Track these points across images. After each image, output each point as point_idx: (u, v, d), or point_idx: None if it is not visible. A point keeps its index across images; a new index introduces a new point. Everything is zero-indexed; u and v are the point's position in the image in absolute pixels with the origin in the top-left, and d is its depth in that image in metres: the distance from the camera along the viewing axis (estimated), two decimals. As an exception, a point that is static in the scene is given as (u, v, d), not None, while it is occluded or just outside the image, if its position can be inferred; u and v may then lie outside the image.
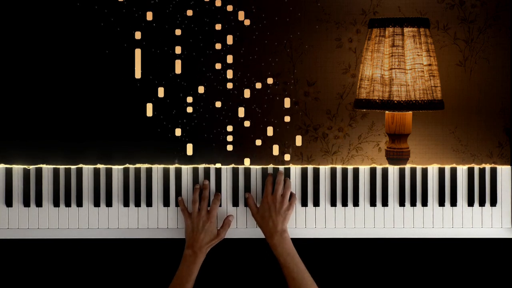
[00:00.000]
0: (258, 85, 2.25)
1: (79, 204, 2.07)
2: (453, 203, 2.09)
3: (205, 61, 2.23)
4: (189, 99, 2.22)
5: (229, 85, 2.23)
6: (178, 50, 2.22)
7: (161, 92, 2.21)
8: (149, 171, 2.08)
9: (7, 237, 2.07)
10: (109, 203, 2.07)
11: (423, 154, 2.36)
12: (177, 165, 2.09)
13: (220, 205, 2.08)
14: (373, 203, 2.09)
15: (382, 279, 2.28)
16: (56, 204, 2.07)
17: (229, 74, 2.23)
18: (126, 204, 2.07)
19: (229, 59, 2.23)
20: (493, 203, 2.08)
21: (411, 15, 2.31)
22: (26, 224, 2.07)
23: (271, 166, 2.10)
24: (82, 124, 2.19)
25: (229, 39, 2.23)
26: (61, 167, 2.08)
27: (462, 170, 2.10)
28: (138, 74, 2.20)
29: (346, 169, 2.09)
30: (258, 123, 2.24)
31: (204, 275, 2.14)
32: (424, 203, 2.09)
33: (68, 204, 2.06)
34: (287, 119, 2.29)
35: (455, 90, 2.35)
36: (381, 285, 2.29)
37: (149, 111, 2.21)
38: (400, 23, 2.16)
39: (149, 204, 2.08)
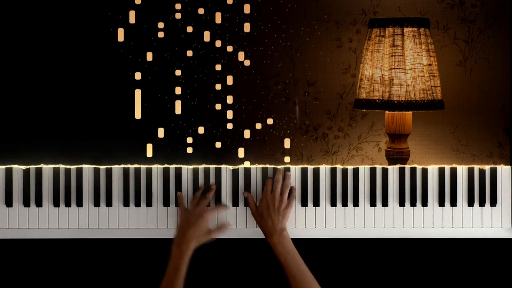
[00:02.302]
0: (258, 126, 2.26)
1: (79, 204, 2.07)
2: (453, 203, 2.08)
3: (205, 101, 2.24)
4: (189, 140, 2.23)
5: (229, 126, 2.24)
6: (178, 90, 2.22)
7: (161, 132, 2.21)
8: (149, 171, 2.08)
9: (7, 237, 2.07)
10: (109, 203, 2.07)
11: (423, 154, 2.36)
12: (177, 165, 2.09)
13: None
14: (373, 203, 2.09)
15: (382, 279, 2.28)
16: (56, 204, 2.07)
17: (229, 114, 2.24)
18: (126, 204, 2.07)
19: (229, 99, 2.24)
20: (493, 203, 2.08)
21: (411, 15, 2.31)
22: (26, 224, 2.07)
23: (271, 166, 2.09)
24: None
25: (229, 80, 2.24)
26: (61, 167, 2.08)
27: (462, 170, 2.10)
28: (138, 115, 2.21)
29: (346, 169, 2.09)
30: (258, 164, 2.25)
31: (204, 275, 2.14)
32: (424, 203, 2.09)
33: (68, 204, 2.06)
34: (287, 159, 2.30)
35: (455, 90, 2.35)
36: (381, 285, 2.29)
37: (149, 152, 2.21)
38: (400, 23, 2.16)
39: (149, 204, 2.08)
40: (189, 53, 2.23)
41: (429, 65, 2.18)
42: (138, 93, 2.21)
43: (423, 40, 2.17)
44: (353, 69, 2.34)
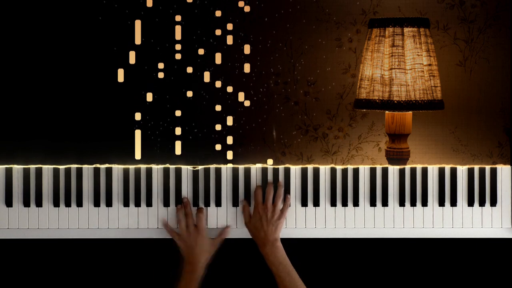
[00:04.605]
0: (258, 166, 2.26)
1: (79, 204, 2.07)
2: (453, 203, 2.09)
3: (205, 142, 2.23)
4: None
5: (229, 166, 2.23)
6: (178, 131, 2.22)
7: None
8: (149, 171, 2.08)
9: (7, 237, 2.07)
10: (109, 203, 2.07)
11: (423, 154, 2.36)
12: (177, 166, 2.09)
13: (221, 205, 2.08)
14: (373, 203, 2.09)
15: (382, 279, 2.28)
16: (56, 204, 2.07)
17: (229, 155, 2.23)
18: (126, 204, 2.07)
19: (229, 140, 2.23)
20: (493, 203, 2.09)
21: (411, 15, 2.31)
22: (26, 224, 2.07)
23: (271, 166, 2.09)
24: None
25: (229, 120, 2.24)
26: (61, 167, 2.08)
27: (462, 170, 2.10)
28: (138, 155, 2.20)
29: (346, 169, 2.09)
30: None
31: (205, 275, 2.13)
32: (424, 203, 2.09)
33: (68, 204, 2.06)
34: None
35: (455, 90, 2.35)
36: (381, 285, 2.29)
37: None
38: (400, 23, 2.16)
39: (149, 204, 2.08)
40: (189, 93, 2.23)
41: (429, 65, 2.18)
42: (138, 133, 2.21)
43: (423, 40, 2.17)
44: (353, 69, 2.34)
